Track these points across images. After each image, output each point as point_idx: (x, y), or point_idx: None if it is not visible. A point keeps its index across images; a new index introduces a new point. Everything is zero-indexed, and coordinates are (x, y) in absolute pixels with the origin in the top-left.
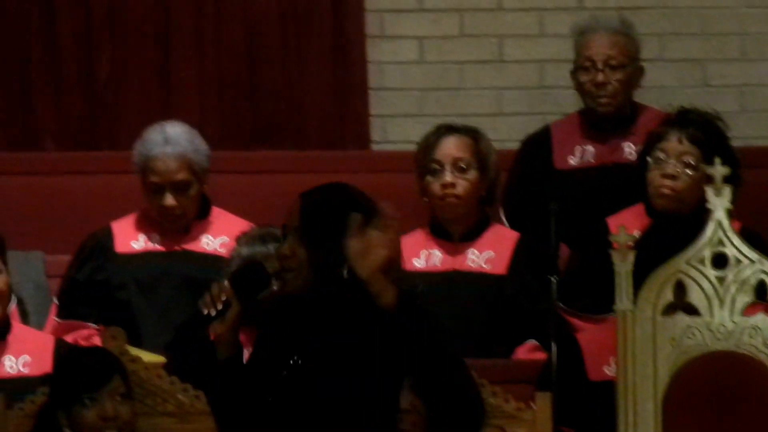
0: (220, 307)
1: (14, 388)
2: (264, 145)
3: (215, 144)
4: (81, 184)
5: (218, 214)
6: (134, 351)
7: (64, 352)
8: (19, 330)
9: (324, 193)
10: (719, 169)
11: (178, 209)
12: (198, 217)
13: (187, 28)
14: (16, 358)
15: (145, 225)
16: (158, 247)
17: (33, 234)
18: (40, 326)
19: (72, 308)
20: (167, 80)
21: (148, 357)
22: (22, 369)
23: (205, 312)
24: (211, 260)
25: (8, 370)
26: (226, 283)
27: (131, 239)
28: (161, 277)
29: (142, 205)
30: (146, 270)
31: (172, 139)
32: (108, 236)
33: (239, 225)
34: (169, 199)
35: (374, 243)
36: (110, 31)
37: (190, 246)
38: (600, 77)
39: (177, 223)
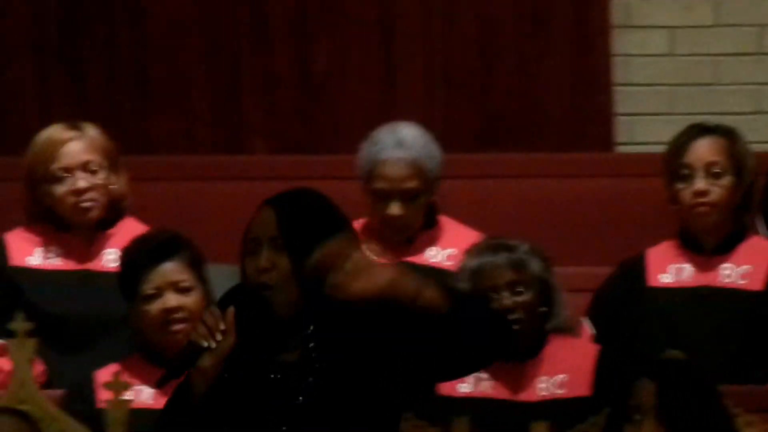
0: (219, 338)
1: None
2: (496, 147)
3: (442, 146)
4: None
5: (446, 224)
6: None
7: None
8: None
9: (297, 198)
10: None
11: (403, 219)
12: (424, 227)
13: (414, 18)
14: None
15: (365, 235)
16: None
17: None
18: None
19: None
20: (390, 76)
21: None
22: None
23: (205, 345)
24: (437, 273)
25: None
26: (229, 311)
27: None
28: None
29: (362, 213)
30: None
31: (405, 143)
32: None
33: (469, 236)
34: (395, 208)
35: (374, 265)
36: (327, 20)
37: (415, 258)
38: None
39: (401, 234)
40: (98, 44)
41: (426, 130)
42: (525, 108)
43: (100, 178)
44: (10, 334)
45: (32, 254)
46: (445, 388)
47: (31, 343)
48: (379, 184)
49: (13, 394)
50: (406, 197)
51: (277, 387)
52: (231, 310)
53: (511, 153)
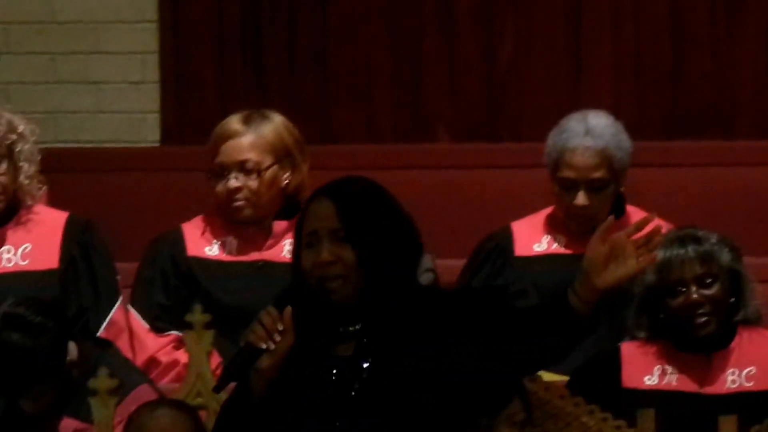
0: (278, 339)
1: None
2: (688, 135)
3: (631, 134)
4: (478, 180)
5: (634, 215)
6: None
7: None
8: None
9: (354, 187)
10: None
11: (589, 209)
12: None
13: (602, 1)
14: None
15: (549, 225)
16: (563, 250)
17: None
18: None
19: None
20: (578, 62)
21: (548, 375)
22: None
23: (263, 347)
24: None
25: None
26: (287, 310)
27: (534, 241)
28: (566, 284)
29: (547, 202)
30: (549, 276)
31: (595, 131)
32: (508, 237)
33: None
34: (582, 198)
35: (625, 251)
36: (514, 4)
37: None
38: None
39: (586, 225)
40: (279, 33)
41: (616, 118)
42: (717, 94)
43: (255, 179)
44: (187, 326)
45: (210, 244)
46: (631, 381)
47: (208, 336)
48: (566, 173)
49: (189, 387)
50: (593, 187)
51: (331, 381)
52: (288, 309)
53: (703, 141)
